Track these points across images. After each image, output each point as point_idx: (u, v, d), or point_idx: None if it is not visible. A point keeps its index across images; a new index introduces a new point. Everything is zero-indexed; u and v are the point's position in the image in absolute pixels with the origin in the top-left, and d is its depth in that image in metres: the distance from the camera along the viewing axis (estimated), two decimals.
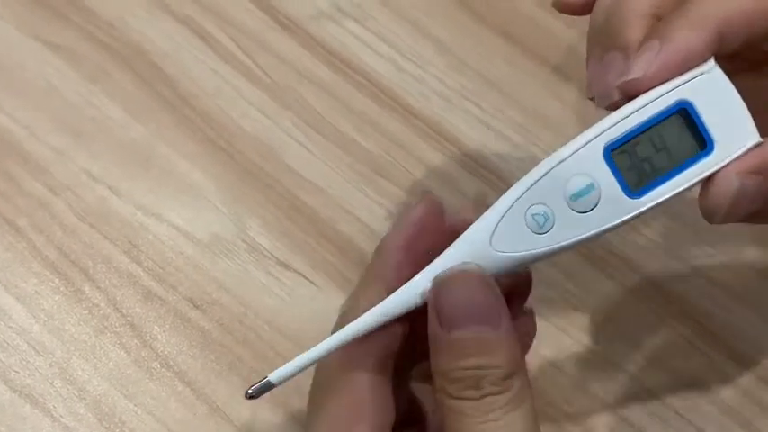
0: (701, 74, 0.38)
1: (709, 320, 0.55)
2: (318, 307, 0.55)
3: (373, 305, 0.38)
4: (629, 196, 0.37)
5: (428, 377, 0.40)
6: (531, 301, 0.44)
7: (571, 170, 0.37)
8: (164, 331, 0.54)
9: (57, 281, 0.55)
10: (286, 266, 0.56)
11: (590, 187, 0.37)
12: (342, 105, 0.61)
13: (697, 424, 0.53)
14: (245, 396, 0.38)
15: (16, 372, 0.53)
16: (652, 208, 0.38)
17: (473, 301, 0.36)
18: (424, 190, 0.42)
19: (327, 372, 0.40)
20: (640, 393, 0.53)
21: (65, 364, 0.53)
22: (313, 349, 0.38)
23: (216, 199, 0.58)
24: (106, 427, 0.52)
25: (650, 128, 0.38)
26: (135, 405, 0.53)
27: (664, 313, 0.55)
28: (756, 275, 0.56)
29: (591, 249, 0.56)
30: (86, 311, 0.55)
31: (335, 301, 0.54)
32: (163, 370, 0.53)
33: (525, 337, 0.43)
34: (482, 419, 0.35)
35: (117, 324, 0.54)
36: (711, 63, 0.38)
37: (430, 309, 0.37)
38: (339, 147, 0.59)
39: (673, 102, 0.37)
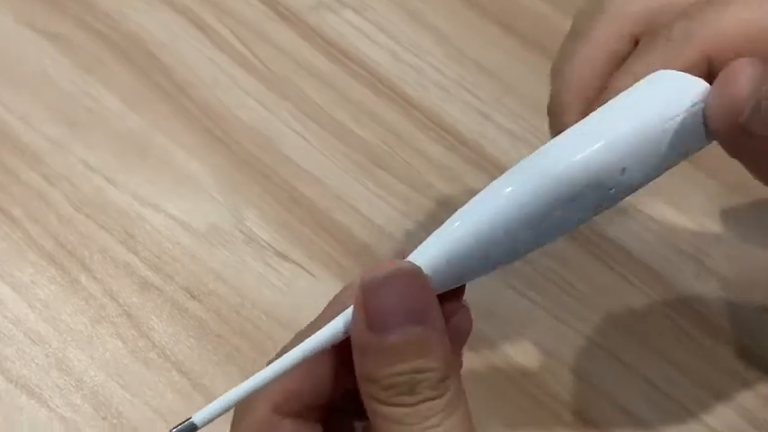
0: None
1: (708, 311, 0.55)
2: (316, 297, 0.54)
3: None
4: None
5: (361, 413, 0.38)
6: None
7: None
8: (161, 321, 0.54)
9: (53, 271, 0.55)
10: (283, 257, 0.56)
11: None
12: (339, 96, 0.60)
13: (698, 414, 0.53)
14: None
15: (12, 362, 0.53)
16: None
17: (407, 301, 0.33)
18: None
19: (252, 409, 0.37)
20: (640, 383, 0.53)
21: (61, 354, 0.53)
22: (234, 390, 0.35)
23: (213, 189, 0.58)
24: (103, 418, 0.52)
25: None
26: (132, 395, 0.52)
27: (662, 303, 0.55)
28: (756, 265, 0.56)
29: (588, 237, 0.56)
30: (83, 301, 0.54)
31: (333, 291, 0.54)
32: (160, 360, 0.53)
33: (462, 335, 0.38)
34: (420, 426, 0.32)
35: (114, 314, 0.54)
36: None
37: (356, 310, 0.33)
38: (337, 137, 0.59)
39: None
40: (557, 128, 0.38)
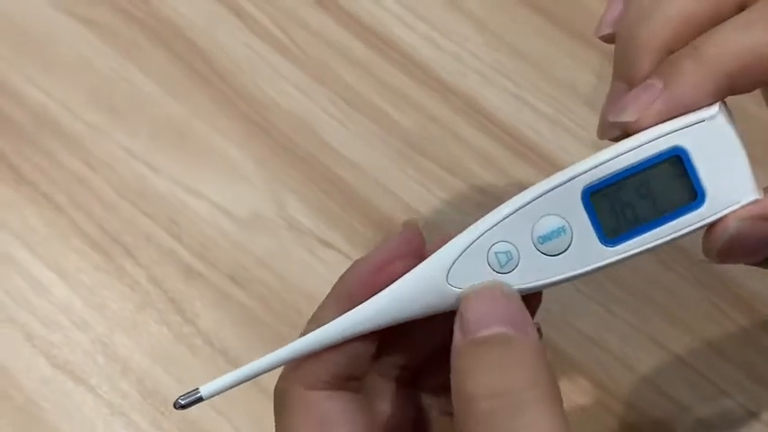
0: (703, 120, 0.34)
1: (749, 295, 0.55)
2: None
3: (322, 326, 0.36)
4: (604, 243, 0.34)
5: (436, 389, 0.40)
6: None
7: (544, 210, 0.34)
8: (205, 308, 0.55)
9: (97, 257, 0.56)
10: (325, 243, 0.56)
11: (561, 230, 0.34)
12: (377, 82, 0.61)
13: (739, 400, 0.53)
14: (174, 405, 0.36)
15: (59, 348, 0.54)
16: (627, 258, 0.35)
17: (496, 309, 0.34)
18: (407, 220, 0.39)
19: (285, 391, 0.37)
20: (683, 370, 0.53)
21: (107, 340, 0.54)
22: (245, 367, 0.36)
23: (253, 176, 0.58)
24: (150, 404, 0.52)
25: (637, 173, 0.34)
26: (177, 381, 0.53)
27: (710, 294, 0.55)
28: None
29: None
30: (128, 288, 0.55)
31: None
32: (205, 347, 0.54)
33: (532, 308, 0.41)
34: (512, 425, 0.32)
35: (158, 300, 0.55)
36: (715, 109, 0.34)
37: (455, 325, 0.34)
38: (376, 123, 0.59)
39: (666, 147, 0.34)
40: (623, 75, 0.36)
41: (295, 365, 0.36)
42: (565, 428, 0.32)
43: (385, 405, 0.39)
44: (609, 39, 0.39)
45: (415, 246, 0.37)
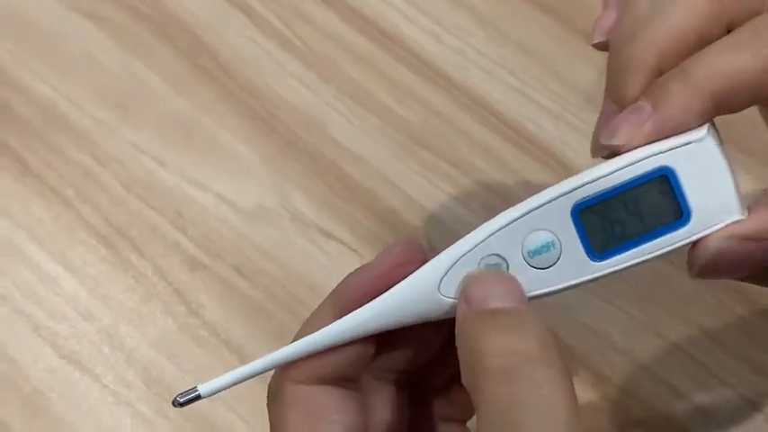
0: (690, 142, 0.35)
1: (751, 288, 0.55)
2: None
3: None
4: (592, 259, 0.36)
5: (433, 393, 0.41)
6: None
7: (534, 224, 0.35)
8: (210, 299, 0.55)
9: (103, 250, 0.56)
10: (329, 235, 0.57)
11: (550, 245, 0.35)
12: (382, 77, 0.61)
13: (739, 390, 0.53)
14: (173, 403, 0.36)
15: (65, 339, 0.54)
16: (613, 272, 0.36)
17: (500, 288, 0.35)
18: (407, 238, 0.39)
19: (279, 384, 0.38)
20: (684, 360, 0.54)
21: (113, 331, 0.54)
22: (243, 367, 0.36)
23: (259, 169, 0.58)
24: (155, 393, 0.53)
25: (626, 191, 0.35)
26: (182, 371, 0.53)
27: (709, 284, 0.55)
28: None
29: None
30: (133, 280, 0.56)
31: None
32: (210, 337, 0.54)
33: None
34: (528, 382, 0.32)
35: (164, 292, 0.55)
36: (703, 131, 0.35)
37: (459, 302, 0.35)
38: (379, 117, 0.60)
39: (654, 167, 0.35)
40: (613, 95, 0.37)
41: (291, 365, 0.37)
42: (572, 389, 0.32)
43: (381, 406, 0.40)
44: (602, 47, 0.40)
45: (413, 257, 0.37)
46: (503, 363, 0.32)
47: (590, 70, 0.61)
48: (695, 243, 0.35)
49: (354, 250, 0.56)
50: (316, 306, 0.54)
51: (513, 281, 0.35)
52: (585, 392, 0.53)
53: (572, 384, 0.32)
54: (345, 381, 0.37)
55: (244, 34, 0.62)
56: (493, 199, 0.57)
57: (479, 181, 0.58)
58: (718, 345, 0.54)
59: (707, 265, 0.35)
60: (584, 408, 0.53)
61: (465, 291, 0.35)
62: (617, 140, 0.35)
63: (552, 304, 0.54)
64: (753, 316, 0.55)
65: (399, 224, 0.57)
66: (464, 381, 0.33)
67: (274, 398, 0.37)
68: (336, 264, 0.56)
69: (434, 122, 0.60)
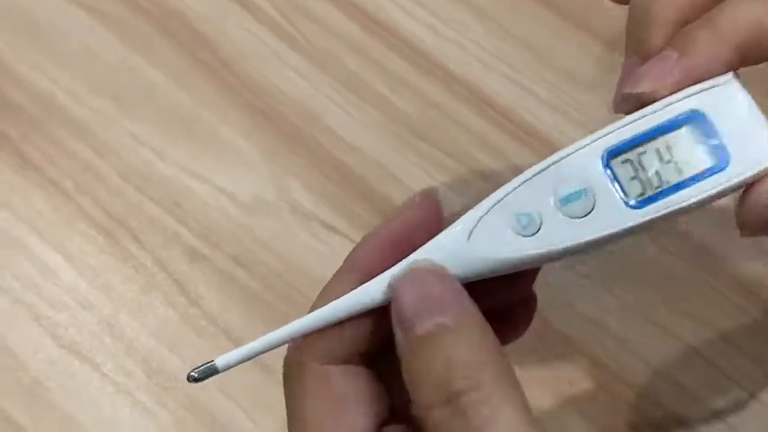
0: (718, 85, 0.35)
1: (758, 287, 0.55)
2: None
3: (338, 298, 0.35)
4: (629, 206, 0.34)
5: None
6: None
7: (565, 173, 0.35)
8: (209, 290, 0.55)
9: (103, 241, 0.56)
10: (327, 226, 0.57)
11: (582, 192, 0.34)
12: (379, 69, 0.61)
13: (742, 383, 0.53)
14: (188, 379, 0.35)
15: (65, 329, 0.54)
16: (653, 221, 0.35)
17: (425, 296, 0.33)
18: (425, 188, 0.38)
19: (298, 364, 0.36)
20: (686, 352, 0.54)
21: (113, 321, 0.55)
22: (261, 339, 0.35)
23: (258, 161, 0.59)
24: (156, 383, 0.53)
25: (658, 135, 0.35)
26: (182, 361, 0.54)
27: (708, 276, 0.55)
28: None
29: None
30: (133, 270, 0.56)
31: None
32: (210, 327, 0.54)
33: (522, 318, 0.40)
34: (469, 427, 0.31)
35: (163, 283, 0.55)
36: (729, 75, 0.35)
37: (392, 317, 0.34)
38: (377, 109, 0.60)
39: (685, 110, 0.35)
40: (636, 48, 0.37)
41: (309, 339, 0.35)
42: (522, 408, 0.31)
43: (401, 386, 0.38)
44: (622, 0, 0.40)
45: (429, 210, 0.37)
46: (440, 417, 0.31)
47: (588, 62, 0.61)
48: (744, 196, 0.35)
49: (353, 241, 0.56)
50: (314, 296, 0.54)
51: (438, 277, 0.34)
52: (585, 382, 0.53)
53: (517, 399, 0.31)
54: (366, 356, 0.36)
55: (243, 27, 0.63)
56: (491, 190, 0.57)
57: (477, 172, 0.58)
58: (721, 336, 0.54)
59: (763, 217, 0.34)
60: (584, 398, 0.53)
61: (393, 304, 0.33)
62: (643, 87, 0.35)
63: (551, 293, 0.54)
64: (754, 308, 0.55)
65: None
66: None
67: (292, 378, 0.36)
68: (335, 255, 0.56)
69: (432, 114, 0.60)
